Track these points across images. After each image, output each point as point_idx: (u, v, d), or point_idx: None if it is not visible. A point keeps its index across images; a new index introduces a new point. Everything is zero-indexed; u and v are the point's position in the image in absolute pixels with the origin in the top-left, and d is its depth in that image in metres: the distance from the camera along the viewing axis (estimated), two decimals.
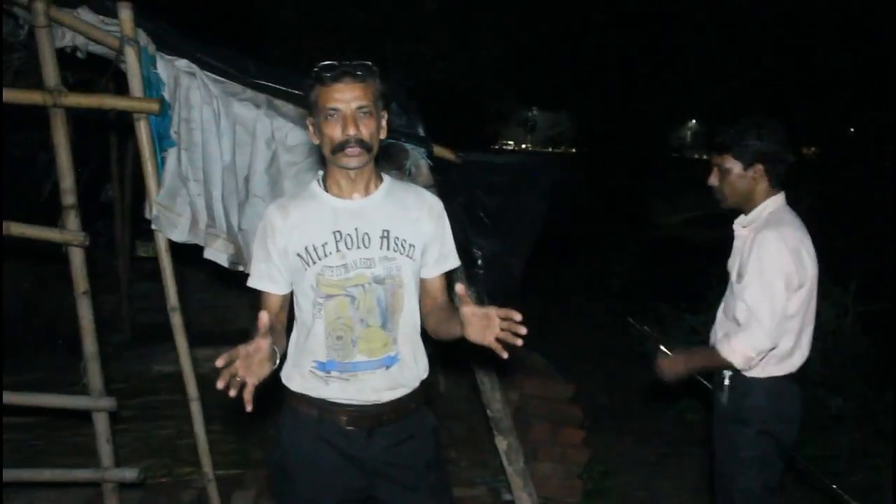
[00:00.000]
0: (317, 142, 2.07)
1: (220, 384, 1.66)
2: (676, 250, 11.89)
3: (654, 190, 16.50)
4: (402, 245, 2.11)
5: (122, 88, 3.73)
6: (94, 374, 3.14)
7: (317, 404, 2.11)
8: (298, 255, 2.05)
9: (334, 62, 1.99)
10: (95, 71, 3.77)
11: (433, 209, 2.21)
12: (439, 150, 3.43)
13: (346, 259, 2.05)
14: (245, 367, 1.70)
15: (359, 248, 2.06)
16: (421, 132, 3.33)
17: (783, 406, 2.67)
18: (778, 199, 2.68)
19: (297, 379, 2.13)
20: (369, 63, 2.02)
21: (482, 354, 3.35)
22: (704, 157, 29.38)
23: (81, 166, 3.11)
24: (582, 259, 10.64)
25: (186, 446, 4.06)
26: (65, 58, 3.03)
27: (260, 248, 2.12)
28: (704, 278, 5.78)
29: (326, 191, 2.11)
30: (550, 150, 26.90)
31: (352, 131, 1.97)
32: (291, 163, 3.30)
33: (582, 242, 10.52)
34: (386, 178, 2.19)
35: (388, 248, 2.09)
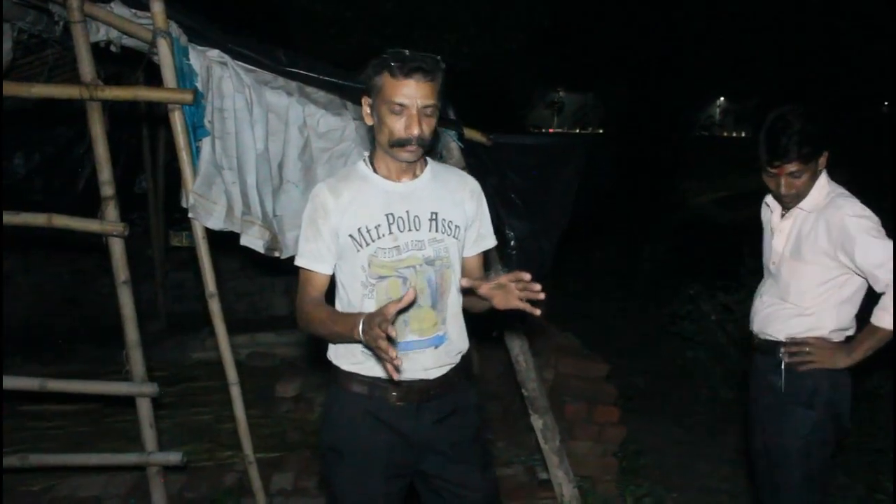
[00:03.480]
0: (370, 123, 2.09)
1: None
2: (707, 230, 11.80)
3: (683, 169, 16.33)
4: (448, 226, 2.15)
5: (151, 81, 3.79)
6: (136, 360, 3.20)
7: (367, 382, 2.13)
8: (351, 236, 2.07)
9: (405, 52, 1.97)
10: (124, 64, 3.83)
11: (474, 191, 2.27)
12: (470, 132, 3.44)
13: (398, 241, 2.08)
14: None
15: (410, 230, 2.10)
16: (451, 114, 3.34)
17: (841, 384, 2.62)
18: (826, 175, 2.61)
19: (347, 359, 2.15)
20: (438, 58, 2.01)
21: (518, 330, 3.38)
22: (734, 134, 29.07)
23: (115, 159, 3.15)
24: (613, 240, 10.59)
25: (226, 430, 4.16)
26: (95, 52, 3.07)
27: (310, 227, 2.10)
28: (736, 257, 5.74)
29: (375, 172, 2.13)
30: (578, 131, 26.64)
31: (416, 132, 1.99)
32: (324, 149, 3.33)
33: (612, 223, 10.46)
34: (429, 160, 2.22)
35: (436, 230, 2.13)
